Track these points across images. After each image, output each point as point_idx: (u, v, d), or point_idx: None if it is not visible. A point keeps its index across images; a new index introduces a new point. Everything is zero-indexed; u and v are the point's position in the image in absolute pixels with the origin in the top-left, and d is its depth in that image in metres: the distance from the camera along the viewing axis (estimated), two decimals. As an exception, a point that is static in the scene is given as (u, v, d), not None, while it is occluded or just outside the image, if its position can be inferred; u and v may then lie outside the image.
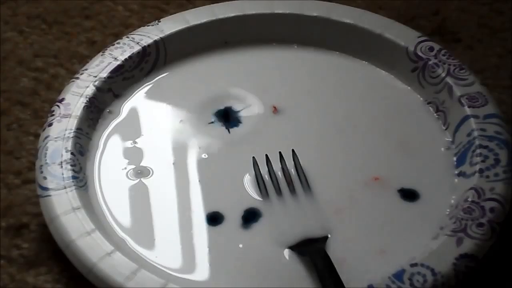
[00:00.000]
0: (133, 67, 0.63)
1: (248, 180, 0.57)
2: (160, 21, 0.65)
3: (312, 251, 0.53)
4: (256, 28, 0.65)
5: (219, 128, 0.61)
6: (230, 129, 0.61)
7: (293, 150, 0.58)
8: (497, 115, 0.58)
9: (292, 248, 0.54)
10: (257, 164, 0.57)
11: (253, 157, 0.57)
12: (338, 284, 0.50)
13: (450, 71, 0.61)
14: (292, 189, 0.57)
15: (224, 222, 0.55)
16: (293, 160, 0.57)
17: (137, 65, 0.63)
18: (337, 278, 0.51)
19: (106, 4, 0.72)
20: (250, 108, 0.62)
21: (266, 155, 0.58)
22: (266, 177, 0.57)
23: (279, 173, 0.57)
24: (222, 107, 0.62)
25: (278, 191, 0.57)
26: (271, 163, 0.57)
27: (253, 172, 0.57)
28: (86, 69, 0.62)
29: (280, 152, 0.58)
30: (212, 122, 0.61)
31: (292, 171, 0.57)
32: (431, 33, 0.67)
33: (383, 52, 0.64)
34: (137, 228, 0.55)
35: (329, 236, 0.54)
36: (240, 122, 0.61)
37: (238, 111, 0.62)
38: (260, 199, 0.56)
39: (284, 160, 0.57)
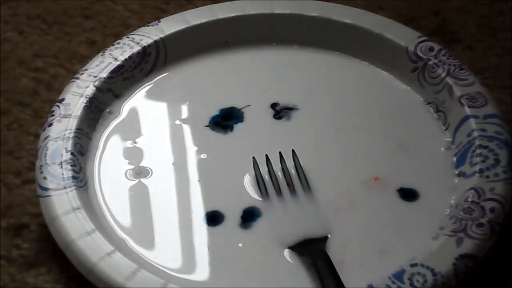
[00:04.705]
0: (133, 67, 0.63)
1: (248, 180, 0.57)
2: (160, 21, 0.65)
3: (312, 251, 0.53)
4: (256, 28, 0.65)
5: (218, 128, 0.61)
6: (230, 129, 0.61)
7: (293, 150, 0.58)
8: (497, 115, 0.58)
9: (292, 248, 0.54)
10: (257, 164, 0.57)
11: (253, 157, 0.57)
12: (338, 284, 0.50)
13: (450, 71, 0.61)
14: (292, 189, 0.57)
15: (224, 222, 0.55)
16: (293, 160, 0.57)
17: (137, 65, 0.63)
18: (337, 278, 0.51)
19: (106, 4, 0.72)
20: (249, 108, 0.62)
21: (266, 155, 0.58)
22: (266, 177, 0.57)
23: (279, 173, 0.57)
24: (221, 108, 0.62)
25: (278, 191, 0.57)
26: (271, 163, 0.57)
27: (253, 172, 0.57)
28: (86, 69, 0.62)
29: (280, 152, 0.58)
30: (211, 124, 0.61)
31: (292, 171, 0.57)
32: (431, 33, 0.67)
33: (383, 52, 0.64)
34: (137, 228, 0.55)
35: (329, 236, 0.54)
36: (240, 122, 0.61)
37: (238, 111, 0.62)
38: (260, 199, 0.56)
39: (284, 160, 0.57)
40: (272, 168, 0.57)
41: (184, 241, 0.55)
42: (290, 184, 0.57)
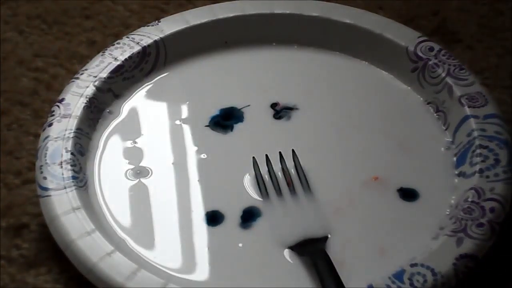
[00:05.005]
0: (133, 67, 0.63)
1: (248, 180, 0.57)
2: (160, 21, 0.65)
3: (312, 251, 0.53)
4: (256, 28, 0.65)
5: (218, 128, 0.61)
6: (230, 129, 0.61)
7: (293, 150, 0.58)
8: (497, 115, 0.58)
9: (292, 248, 0.54)
10: (257, 164, 0.57)
11: (253, 157, 0.57)
12: (338, 284, 0.50)
13: (450, 71, 0.61)
14: (292, 189, 0.57)
15: (224, 222, 0.55)
16: (293, 160, 0.57)
17: (137, 65, 0.63)
18: (337, 278, 0.51)
19: (106, 4, 0.72)
20: (249, 108, 0.62)
21: (266, 155, 0.58)
22: (266, 177, 0.57)
23: (279, 173, 0.57)
24: (221, 108, 0.62)
25: (278, 191, 0.57)
26: (271, 163, 0.57)
27: (253, 172, 0.57)
28: (86, 69, 0.62)
29: (280, 152, 0.58)
30: (211, 124, 0.61)
31: (292, 171, 0.57)
32: (431, 33, 0.67)
33: (383, 52, 0.64)
34: (137, 228, 0.55)
35: (329, 236, 0.54)
36: (240, 122, 0.61)
37: (238, 111, 0.62)
38: (260, 199, 0.56)
39: (284, 160, 0.57)
40: (272, 168, 0.57)
41: (184, 241, 0.55)
42: (290, 184, 0.57)
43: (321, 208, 0.56)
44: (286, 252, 0.54)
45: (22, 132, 0.62)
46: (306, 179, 0.57)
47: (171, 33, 0.64)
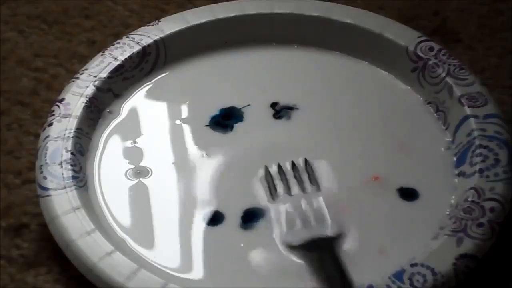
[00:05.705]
0: (133, 67, 0.63)
1: (248, 180, 0.57)
2: (160, 21, 0.65)
3: (315, 251, 0.53)
4: (256, 28, 0.65)
5: (218, 128, 0.61)
6: (230, 129, 0.61)
7: (305, 160, 0.57)
8: (497, 115, 0.58)
9: (293, 248, 0.54)
10: (268, 170, 0.57)
11: (265, 166, 0.57)
12: (345, 283, 0.50)
13: (450, 71, 0.61)
14: (294, 189, 0.57)
15: (224, 222, 0.55)
16: (306, 169, 0.57)
17: (137, 65, 0.63)
18: (344, 275, 0.51)
19: (106, 4, 0.72)
20: (249, 108, 0.62)
21: (279, 164, 0.57)
22: (270, 178, 0.57)
23: (282, 174, 0.57)
24: (221, 108, 0.62)
25: (279, 191, 0.56)
26: (281, 167, 0.57)
27: (253, 172, 0.57)
28: (86, 69, 0.62)
29: (292, 161, 0.57)
30: (211, 124, 0.61)
31: (296, 175, 0.57)
32: (431, 33, 0.67)
33: (383, 52, 0.64)
34: (137, 228, 0.55)
35: (332, 235, 0.54)
36: (240, 122, 0.61)
37: (238, 111, 0.62)
38: (261, 199, 0.56)
39: (296, 167, 0.57)
40: (282, 170, 0.57)
41: (184, 241, 0.55)
42: (293, 184, 0.57)
43: (322, 208, 0.56)
44: (288, 252, 0.54)
45: (22, 132, 0.62)
46: (317, 182, 0.57)
47: (171, 33, 0.64)
